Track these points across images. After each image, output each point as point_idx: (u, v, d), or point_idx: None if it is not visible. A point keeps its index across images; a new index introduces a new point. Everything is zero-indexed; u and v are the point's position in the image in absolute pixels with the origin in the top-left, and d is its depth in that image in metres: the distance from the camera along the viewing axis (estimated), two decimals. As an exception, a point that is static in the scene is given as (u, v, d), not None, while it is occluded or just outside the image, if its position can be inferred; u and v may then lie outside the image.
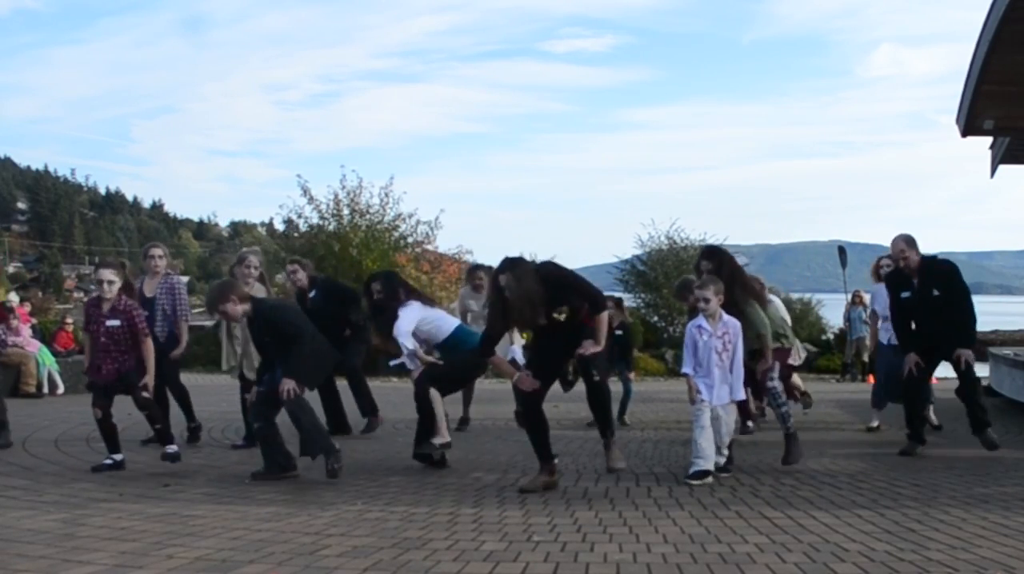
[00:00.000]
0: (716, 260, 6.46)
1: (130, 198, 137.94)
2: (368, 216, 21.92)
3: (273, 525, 4.65)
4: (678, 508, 5.15)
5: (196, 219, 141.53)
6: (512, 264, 5.60)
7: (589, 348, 5.62)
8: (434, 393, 6.40)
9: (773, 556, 4.05)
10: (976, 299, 7.26)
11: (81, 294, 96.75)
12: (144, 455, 7.00)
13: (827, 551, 4.13)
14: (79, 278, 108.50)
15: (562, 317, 5.69)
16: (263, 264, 8.07)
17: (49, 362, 12.35)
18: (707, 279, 6.07)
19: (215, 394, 10.33)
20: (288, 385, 5.85)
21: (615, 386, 9.61)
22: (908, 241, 7.04)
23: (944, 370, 7.79)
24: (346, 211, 21.95)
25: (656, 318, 23.45)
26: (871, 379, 16.55)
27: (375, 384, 15.81)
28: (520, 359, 8.29)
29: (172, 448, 6.40)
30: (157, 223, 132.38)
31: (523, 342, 8.09)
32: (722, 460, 6.03)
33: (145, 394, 6.33)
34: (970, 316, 6.97)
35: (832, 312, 22.95)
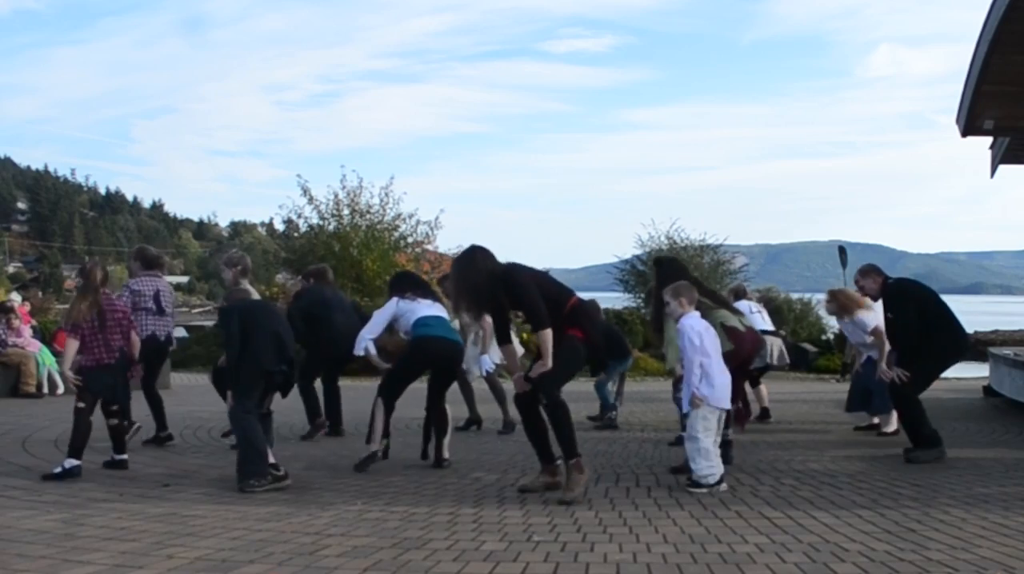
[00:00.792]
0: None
1: (130, 198, 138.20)
2: (368, 216, 21.93)
3: (273, 525, 4.65)
4: (678, 508, 5.15)
5: (196, 219, 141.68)
6: (465, 252, 5.63)
7: (537, 370, 5.42)
8: (377, 401, 6.49)
9: (773, 556, 4.05)
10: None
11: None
12: (144, 455, 7.00)
13: (827, 551, 4.13)
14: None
15: (518, 320, 5.66)
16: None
17: (49, 362, 12.34)
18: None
19: (214, 394, 10.30)
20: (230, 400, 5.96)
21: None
22: (862, 271, 7.53)
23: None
24: (346, 211, 21.95)
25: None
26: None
27: (374, 384, 15.82)
28: (489, 367, 8.28)
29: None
30: (157, 223, 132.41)
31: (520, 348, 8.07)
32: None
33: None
34: (908, 337, 7.01)
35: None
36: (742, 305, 9.45)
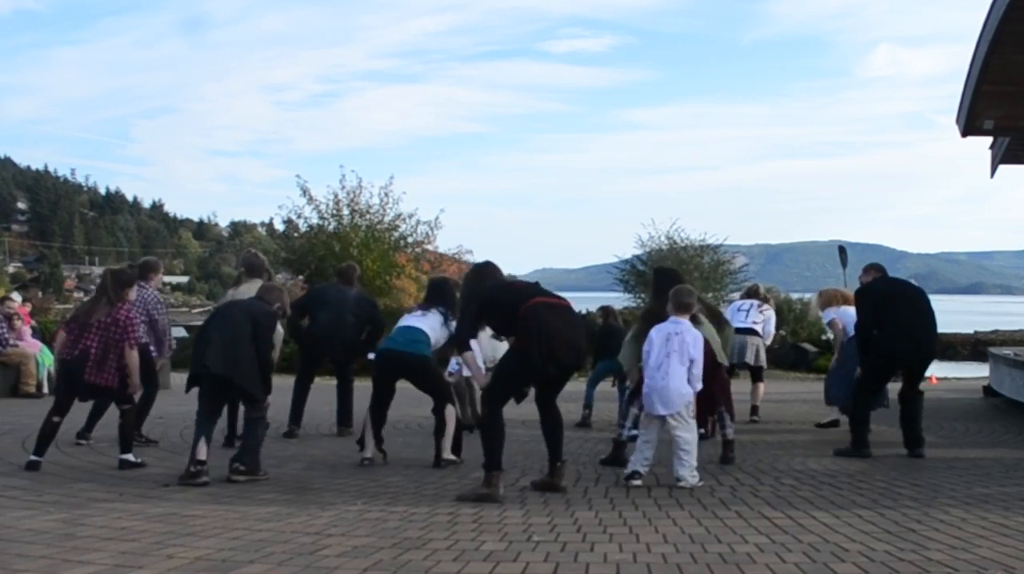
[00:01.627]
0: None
1: (130, 198, 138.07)
2: (368, 216, 21.95)
3: (273, 525, 4.65)
4: (678, 508, 5.15)
5: (196, 219, 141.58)
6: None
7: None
8: (366, 413, 6.85)
9: (773, 556, 4.05)
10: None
11: (81, 294, 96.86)
12: (144, 455, 6.99)
13: (827, 551, 4.13)
14: (79, 278, 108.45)
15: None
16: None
17: (49, 362, 12.32)
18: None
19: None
20: None
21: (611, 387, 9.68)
22: (864, 268, 7.92)
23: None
24: (346, 211, 21.98)
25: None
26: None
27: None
28: (453, 369, 8.33)
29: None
30: (157, 223, 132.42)
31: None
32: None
33: None
34: (859, 332, 7.44)
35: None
36: (735, 303, 9.70)
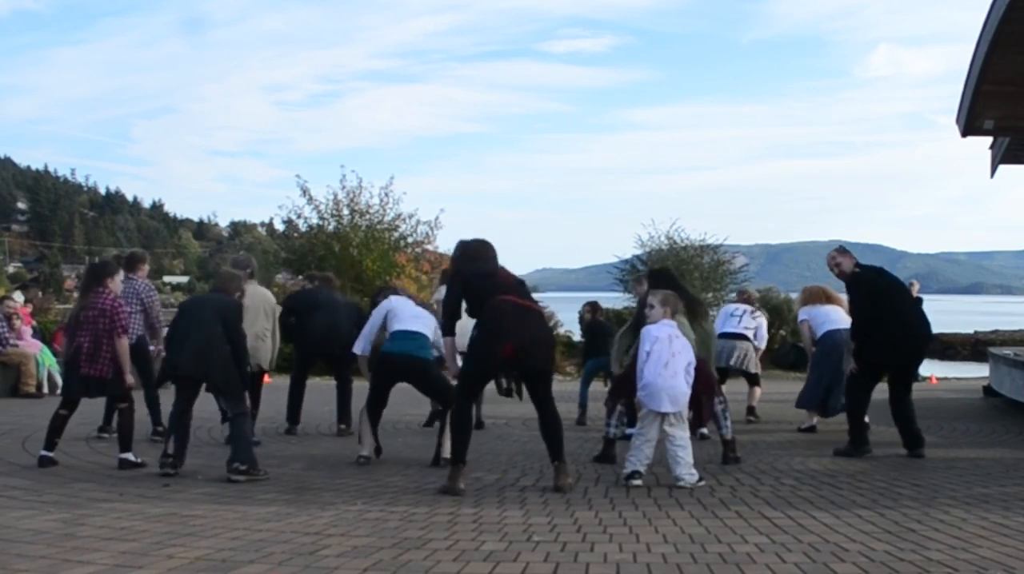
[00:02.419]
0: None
1: (130, 198, 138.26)
2: (368, 216, 21.93)
3: (273, 525, 4.65)
4: (678, 508, 5.15)
5: (196, 219, 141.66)
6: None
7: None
8: (362, 412, 6.92)
9: (773, 556, 4.05)
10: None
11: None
12: (144, 455, 6.99)
13: (827, 551, 4.12)
14: (79, 278, 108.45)
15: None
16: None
17: (49, 362, 12.34)
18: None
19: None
20: None
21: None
22: (839, 249, 7.54)
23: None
24: (346, 211, 21.96)
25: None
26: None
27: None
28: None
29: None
30: (157, 223, 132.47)
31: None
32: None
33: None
34: (857, 324, 7.20)
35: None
36: (727, 308, 9.74)
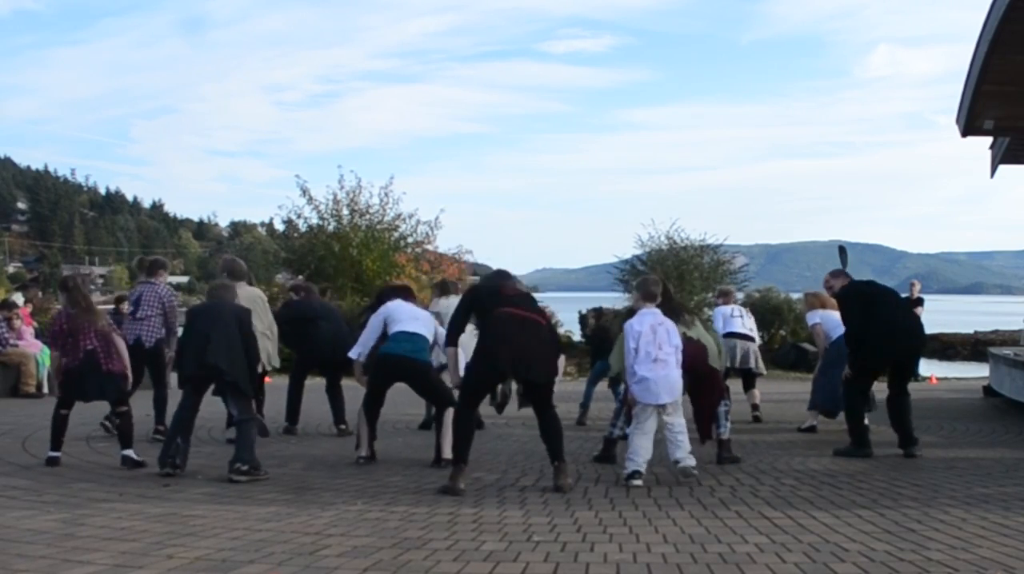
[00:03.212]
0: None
1: (130, 198, 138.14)
2: (368, 216, 21.93)
3: (273, 525, 4.65)
4: (678, 508, 5.15)
5: (196, 219, 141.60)
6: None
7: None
8: (360, 412, 6.97)
9: (773, 556, 4.05)
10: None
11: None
12: (144, 455, 6.99)
13: (827, 551, 4.13)
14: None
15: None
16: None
17: (49, 362, 12.34)
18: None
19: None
20: None
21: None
22: (832, 273, 8.23)
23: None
24: (345, 211, 21.96)
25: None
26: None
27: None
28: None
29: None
30: (157, 223, 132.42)
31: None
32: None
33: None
34: (848, 334, 7.53)
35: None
36: (723, 310, 9.63)
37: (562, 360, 6.30)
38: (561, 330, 20.96)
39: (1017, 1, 8.40)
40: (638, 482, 5.87)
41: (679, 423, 6.04)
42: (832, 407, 8.66)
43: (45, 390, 12.11)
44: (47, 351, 12.45)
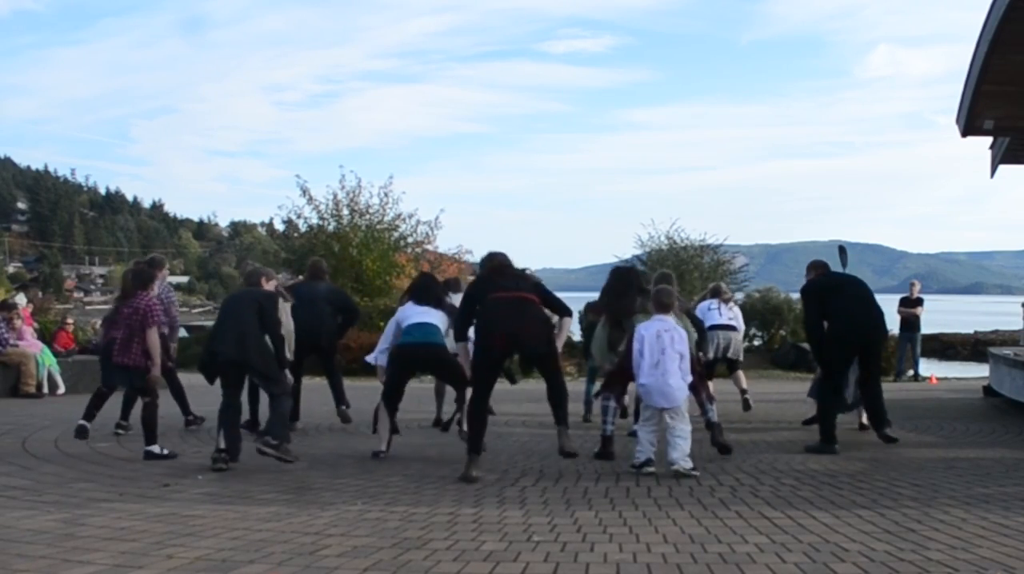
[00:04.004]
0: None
1: (130, 198, 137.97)
2: (368, 216, 21.92)
3: (273, 525, 4.65)
4: (678, 508, 5.15)
5: (196, 219, 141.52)
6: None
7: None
8: (380, 405, 7.16)
9: (773, 556, 4.05)
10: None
11: (81, 294, 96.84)
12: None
13: (827, 551, 4.13)
14: (79, 278, 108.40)
15: None
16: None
17: (50, 362, 12.34)
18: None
19: (214, 393, 10.34)
20: None
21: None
22: (807, 266, 8.49)
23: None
24: (345, 211, 21.95)
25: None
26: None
27: (373, 384, 15.83)
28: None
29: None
30: (157, 223, 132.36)
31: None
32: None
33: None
34: (808, 329, 8.12)
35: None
36: (703, 303, 10.04)
37: (567, 322, 6.71)
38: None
39: (1017, 1, 8.40)
40: (651, 469, 6.22)
41: (680, 428, 6.26)
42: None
43: (45, 390, 12.11)
44: (47, 351, 12.48)
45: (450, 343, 7.14)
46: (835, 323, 7.59)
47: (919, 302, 17.05)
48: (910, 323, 16.88)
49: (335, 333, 8.60)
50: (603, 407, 7.13)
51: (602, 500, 5.39)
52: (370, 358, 7.36)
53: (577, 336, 21.21)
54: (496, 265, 6.51)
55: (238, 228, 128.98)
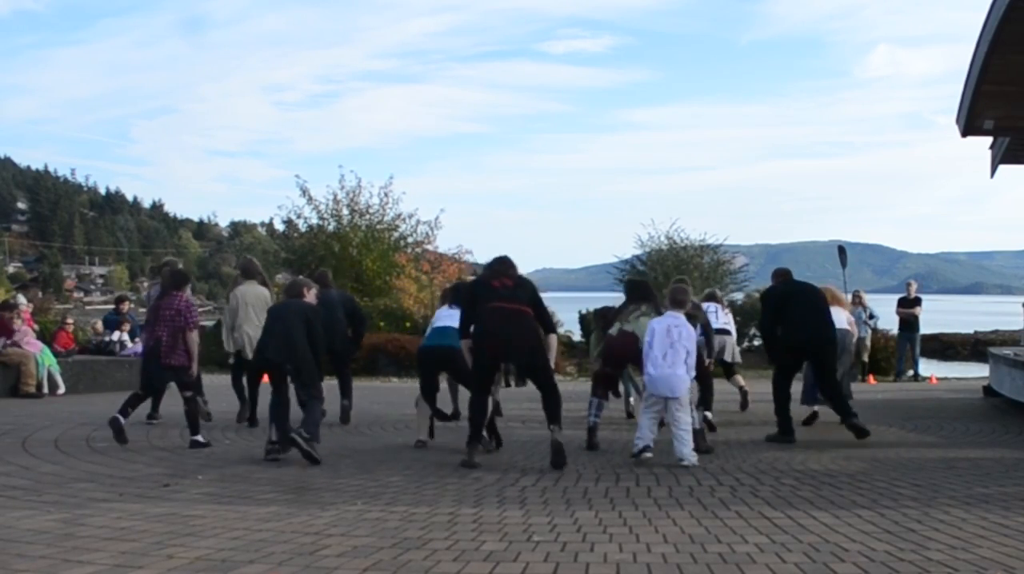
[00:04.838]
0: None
1: (130, 198, 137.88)
2: (368, 216, 21.95)
3: (273, 525, 4.65)
4: (678, 508, 5.15)
5: (196, 219, 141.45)
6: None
7: None
8: (418, 397, 7.78)
9: (773, 556, 4.05)
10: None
11: (81, 294, 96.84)
12: (144, 455, 7.00)
13: (827, 551, 4.12)
14: (79, 278, 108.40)
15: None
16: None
17: (50, 362, 12.35)
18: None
19: (215, 393, 10.35)
20: None
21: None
22: (772, 274, 9.04)
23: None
24: (345, 211, 21.97)
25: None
26: (872, 379, 16.57)
27: (374, 384, 15.83)
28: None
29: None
30: (157, 223, 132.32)
31: None
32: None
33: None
34: (762, 331, 9.19)
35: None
36: (705, 306, 10.26)
37: (553, 339, 7.13)
38: (561, 330, 20.96)
39: (1017, 1, 8.40)
40: (649, 454, 6.68)
41: (684, 420, 6.69)
42: (811, 401, 9.37)
43: (45, 390, 12.11)
44: (47, 351, 12.49)
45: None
46: (786, 328, 8.25)
47: (917, 302, 17.05)
48: (909, 323, 16.88)
49: (347, 338, 9.23)
50: (589, 402, 7.69)
51: (602, 500, 5.39)
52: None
53: (577, 336, 21.25)
54: (498, 272, 6.87)
55: (238, 228, 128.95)
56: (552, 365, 6.94)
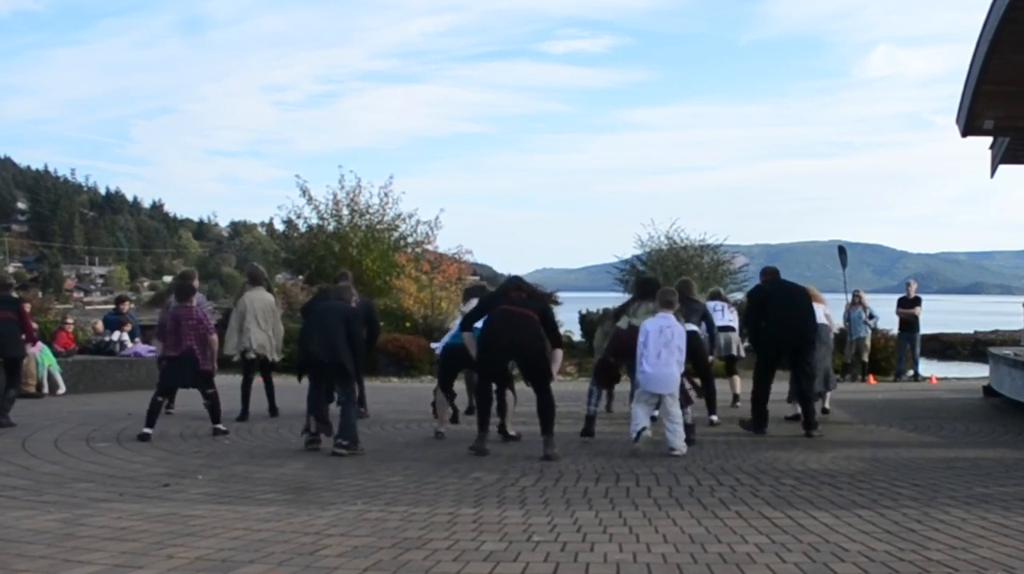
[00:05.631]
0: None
1: (130, 198, 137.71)
2: (368, 216, 21.95)
3: (273, 525, 4.65)
4: (678, 508, 5.15)
5: (196, 219, 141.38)
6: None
7: None
8: (436, 389, 8.31)
9: (773, 556, 4.05)
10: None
11: (81, 294, 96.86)
12: (144, 455, 7.00)
13: (827, 551, 4.12)
14: (79, 278, 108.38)
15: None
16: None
17: (49, 362, 12.34)
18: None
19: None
20: None
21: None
22: (760, 271, 9.43)
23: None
24: (345, 211, 21.97)
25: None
26: (872, 379, 16.55)
27: (374, 384, 15.83)
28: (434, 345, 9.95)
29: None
30: (157, 223, 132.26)
31: None
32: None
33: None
34: (748, 328, 9.47)
35: (832, 312, 22.87)
36: (711, 304, 10.81)
37: (558, 353, 7.41)
38: (561, 330, 20.95)
39: (1017, 1, 8.39)
40: (648, 433, 7.01)
41: (675, 413, 7.12)
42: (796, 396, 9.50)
43: (45, 390, 12.11)
44: (47, 351, 12.48)
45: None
46: (770, 325, 8.68)
47: (917, 302, 17.04)
48: (909, 323, 16.87)
49: (363, 344, 9.46)
50: (589, 390, 8.12)
51: (602, 500, 5.39)
52: (435, 345, 8.80)
53: (577, 336, 21.24)
54: (517, 286, 7.46)
55: (238, 228, 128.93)
56: (554, 374, 7.31)
